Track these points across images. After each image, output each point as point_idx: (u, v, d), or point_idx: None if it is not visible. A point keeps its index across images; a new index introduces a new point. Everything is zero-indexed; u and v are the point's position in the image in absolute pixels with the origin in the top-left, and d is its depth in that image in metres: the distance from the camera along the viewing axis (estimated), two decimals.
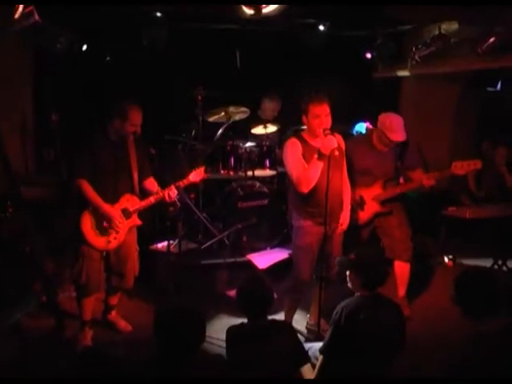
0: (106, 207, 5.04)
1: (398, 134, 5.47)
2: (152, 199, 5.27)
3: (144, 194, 5.32)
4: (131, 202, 5.20)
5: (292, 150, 5.05)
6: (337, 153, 4.83)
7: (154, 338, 3.31)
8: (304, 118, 5.03)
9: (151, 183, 5.41)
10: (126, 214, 5.17)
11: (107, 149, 5.09)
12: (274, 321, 4.14)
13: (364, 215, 5.76)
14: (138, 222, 5.32)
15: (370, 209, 5.72)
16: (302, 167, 4.95)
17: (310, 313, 5.67)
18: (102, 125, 5.14)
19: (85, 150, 5.07)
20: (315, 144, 4.96)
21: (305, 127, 5.19)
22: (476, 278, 3.61)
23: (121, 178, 5.16)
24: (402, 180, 5.81)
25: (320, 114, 4.91)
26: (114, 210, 5.08)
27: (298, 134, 5.19)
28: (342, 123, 7.29)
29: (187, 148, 7.54)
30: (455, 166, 5.34)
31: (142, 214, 5.40)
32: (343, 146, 5.25)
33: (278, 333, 3.93)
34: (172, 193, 5.27)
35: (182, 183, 5.37)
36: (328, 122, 4.94)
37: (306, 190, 4.94)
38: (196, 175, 5.43)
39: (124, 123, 5.03)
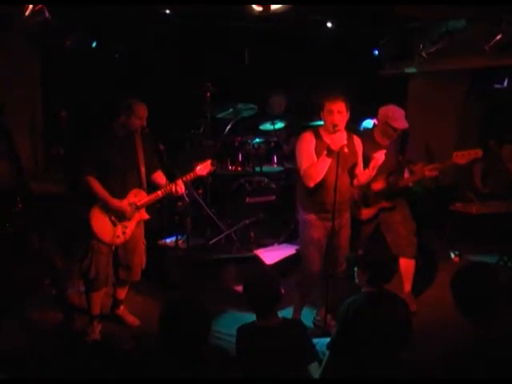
0: (116, 201, 5.11)
1: (402, 122, 5.56)
2: (159, 193, 5.32)
3: (153, 187, 5.38)
4: (139, 197, 5.25)
5: (305, 143, 5.12)
6: (346, 150, 4.87)
7: (160, 333, 3.34)
8: (322, 114, 5.09)
9: (160, 176, 5.46)
10: (135, 208, 5.23)
11: (114, 146, 5.15)
12: (286, 319, 4.14)
13: (369, 211, 5.80)
14: (146, 216, 5.37)
15: (374, 203, 5.77)
16: (311, 161, 5.01)
17: (318, 308, 5.71)
18: (109, 122, 5.20)
19: (91, 148, 5.16)
20: (328, 140, 5.00)
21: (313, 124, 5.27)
22: (472, 274, 3.35)
23: (129, 174, 5.22)
24: (406, 174, 5.85)
25: (333, 110, 4.97)
26: (124, 203, 5.16)
27: (315, 128, 5.25)
28: (349, 120, 7.33)
29: (196, 144, 7.58)
30: (456, 155, 5.40)
31: (150, 209, 5.45)
32: (359, 147, 5.32)
33: (290, 331, 3.94)
34: (179, 187, 5.31)
35: (189, 176, 5.39)
36: (340, 119, 5.00)
37: (311, 183, 4.99)
38: (203, 168, 5.45)
39: (130, 118, 5.09)
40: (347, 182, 5.23)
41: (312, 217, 5.22)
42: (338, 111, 4.98)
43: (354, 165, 5.28)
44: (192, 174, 5.40)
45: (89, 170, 5.07)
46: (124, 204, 5.15)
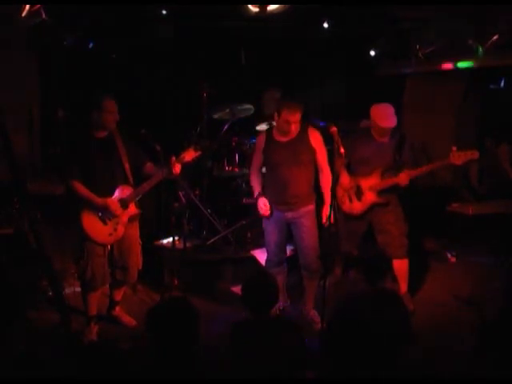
0: (100, 200, 5.14)
1: (387, 121, 5.60)
2: (146, 186, 5.34)
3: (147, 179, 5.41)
4: (125, 192, 5.28)
5: (255, 145, 5.76)
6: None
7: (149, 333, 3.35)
8: (276, 117, 5.36)
9: (150, 168, 5.47)
10: (123, 203, 5.24)
11: (94, 147, 5.21)
12: (279, 317, 4.16)
13: (361, 205, 5.83)
14: (136, 211, 5.39)
15: (367, 199, 5.79)
16: (255, 163, 5.68)
17: (303, 303, 5.83)
18: (86, 125, 5.25)
19: (72, 153, 5.23)
20: (278, 138, 5.45)
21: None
22: None
23: (114, 172, 5.28)
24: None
25: (291, 121, 5.26)
26: (108, 200, 5.17)
27: (269, 128, 5.70)
28: (346, 120, 7.33)
29: (192, 145, 7.57)
30: (453, 155, 5.41)
31: (147, 210, 5.47)
32: (316, 140, 5.46)
33: (282, 329, 3.98)
34: (175, 168, 5.34)
35: (176, 163, 5.38)
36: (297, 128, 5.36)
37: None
38: (187, 155, 5.45)
39: (101, 114, 5.14)
40: (303, 176, 5.45)
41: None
42: (295, 121, 5.29)
43: (313, 158, 5.47)
44: (179, 161, 5.39)
45: (72, 174, 5.14)
46: (108, 200, 5.17)
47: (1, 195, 6.38)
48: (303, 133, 5.42)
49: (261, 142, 5.61)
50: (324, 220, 5.42)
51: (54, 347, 5.11)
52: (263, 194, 5.62)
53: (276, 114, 5.33)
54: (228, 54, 8.27)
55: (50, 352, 5.03)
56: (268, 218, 5.58)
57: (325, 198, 5.46)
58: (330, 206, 5.04)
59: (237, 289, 6.04)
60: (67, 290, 6.08)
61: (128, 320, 5.70)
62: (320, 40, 7.91)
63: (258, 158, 5.67)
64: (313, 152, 5.44)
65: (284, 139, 5.43)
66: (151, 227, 6.90)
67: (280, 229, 5.61)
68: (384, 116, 5.60)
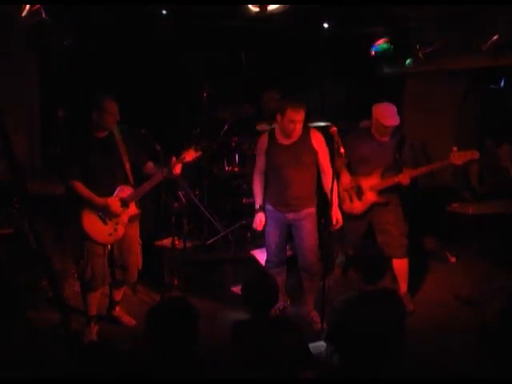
0: (101, 199, 5.14)
1: (391, 119, 5.60)
2: (147, 186, 5.33)
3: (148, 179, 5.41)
4: (125, 192, 5.28)
5: (257, 146, 5.64)
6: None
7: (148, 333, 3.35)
8: (279, 118, 5.30)
9: (151, 167, 5.46)
10: (123, 203, 5.24)
11: (94, 147, 5.20)
12: (279, 317, 4.16)
13: (361, 205, 5.83)
14: (136, 211, 5.38)
15: (368, 199, 5.80)
16: (259, 166, 5.59)
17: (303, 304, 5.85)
18: (86, 125, 5.24)
19: (72, 153, 5.24)
20: (281, 141, 5.41)
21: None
22: None
23: (115, 172, 5.27)
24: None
25: (296, 120, 5.20)
26: (109, 200, 5.17)
27: (271, 130, 5.58)
28: (347, 120, 7.32)
29: (192, 145, 7.56)
30: (453, 156, 5.43)
31: (146, 210, 5.46)
32: (318, 142, 5.46)
33: (282, 329, 3.98)
34: (176, 169, 5.34)
35: (177, 163, 5.37)
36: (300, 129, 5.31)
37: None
38: (187, 155, 5.44)
39: (102, 114, 5.12)
40: (305, 178, 5.44)
41: (269, 207, 5.57)
42: (300, 121, 5.26)
43: (315, 160, 5.46)
44: (179, 161, 5.39)
45: (72, 174, 5.14)
46: (108, 200, 5.17)
47: (1, 195, 6.38)
48: (305, 135, 5.41)
49: (263, 143, 5.56)
50: (334, 222, 5.44)
51: (54, 347, 5.11)
52: (265, 197, 5.61)
53: (279, 116, 5.28)
54: (228, 53, 8.26)
55: (50, 352, 5.04)
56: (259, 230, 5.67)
57: (329, 199, 5.45)
58: (331, 205, 5.06)
59: (237, 289, 6.04)
60: (68, 290, 6.08)
61: (128, 320, 5.70)
62: (320, 40, 7.91)
63: (261, 161, 5.59)
64: (315, 154, 5.43)
65: (287, 142, 5.41)
66: (151, 227, 6.89)
67: (281, 229, 5.60)
68: (387, 115, 5.60)
